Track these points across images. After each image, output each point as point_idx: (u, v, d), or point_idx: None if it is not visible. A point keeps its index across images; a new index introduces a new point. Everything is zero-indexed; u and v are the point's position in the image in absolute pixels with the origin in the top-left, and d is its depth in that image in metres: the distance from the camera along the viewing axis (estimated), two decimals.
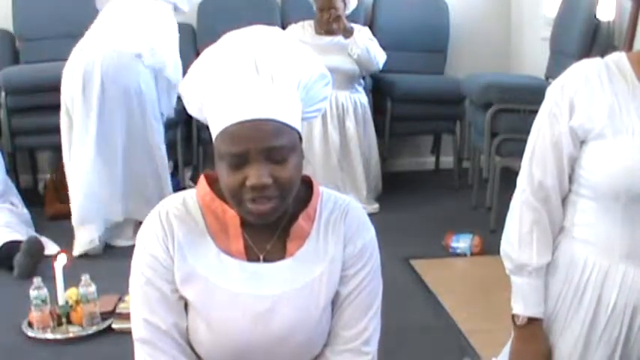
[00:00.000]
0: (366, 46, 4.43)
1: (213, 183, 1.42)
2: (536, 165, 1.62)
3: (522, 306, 1.64)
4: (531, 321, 1.64)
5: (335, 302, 1.44)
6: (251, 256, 1.40)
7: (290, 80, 1.32)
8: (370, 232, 1.47)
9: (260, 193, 1.29)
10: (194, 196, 1.43)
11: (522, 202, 1.64)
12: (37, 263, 3.51)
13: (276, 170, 1.30)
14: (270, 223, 1.38)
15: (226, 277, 1.38)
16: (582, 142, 1.58)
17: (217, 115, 1.31)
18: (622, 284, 1.56)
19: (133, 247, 1.44)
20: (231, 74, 1.30)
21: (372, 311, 1.45)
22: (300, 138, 1.36)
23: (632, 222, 1.53)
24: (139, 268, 1.40)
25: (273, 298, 1.38)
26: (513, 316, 1.67)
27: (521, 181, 1.65)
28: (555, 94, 1.59)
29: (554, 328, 1.65)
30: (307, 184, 1.46)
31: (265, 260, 1.40)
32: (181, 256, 1.38)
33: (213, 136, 1.33)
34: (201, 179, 1.44)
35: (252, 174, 1.29)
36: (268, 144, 1.28)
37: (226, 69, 1.31)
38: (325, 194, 1.47)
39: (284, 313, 1.38)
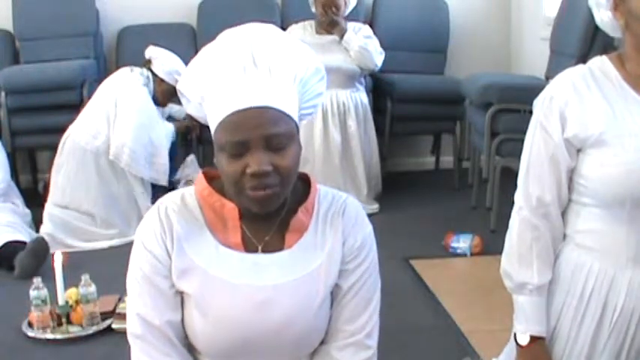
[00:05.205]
0: (360, 46, 4.43)
1: (211, 179, 1.44)
2: (532, 181, 1.59)
3: (524, 325, 1.63)
4: (534, 340, 1.62)
5: (336, 297, 1.45)
6: (249, 248, 1.42)
7: (287, 73, 1.34)
8: (369, 227, 1.48)
9: (260, 180, 1.31)
10: (193, 192, 1.45)
11: (521, 220, 1.62)
12: (40, 264, 3.51)
13: (275, 158, 1.31)
14: (268, 216, 1.40)
15: (225, 269, 1.39)
16: (579, 151, 1.56)
17: (217, 106, 1.33)
18: (628, 290, 1.55)
19: (132, 247, 1.44)
20: (229, 67, 1.33)
21: (372, 305, 1.47)
22: (298, 130, 1.37)
23: (638, 226, 1.52)
24: (137, 263, 1.41)
25: (272, 288, 1.39)
26: (516, 336, 1.65)
27: (518, 198, 1.63)
28: (544, 106, 1.57)
29: (559, 339, 1.63)
30: (305, 181, 1.48)
31: (263, 251, 1.42)
32: (180, 250, 1.39)
33: (213, 129, 1.35)
34: (200, 176, 1.46)
35: (252, 162, 1.30)
36: (268, 132, 1.30)
37: (224, 62, 1.33)
38: (323, 190, 1.49)
39: (283, 304, 1.39)
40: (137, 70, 4.22)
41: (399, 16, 5.12)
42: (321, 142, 4.36)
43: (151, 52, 4.30)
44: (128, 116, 4.03)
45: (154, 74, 4.23)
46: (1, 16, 4.86)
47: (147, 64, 4.26)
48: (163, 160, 4.13)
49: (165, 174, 4.14)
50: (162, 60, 4.24)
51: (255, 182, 1.31)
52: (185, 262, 1.39)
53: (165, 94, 4.23)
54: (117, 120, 4.02)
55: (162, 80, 4.21)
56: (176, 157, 4.33)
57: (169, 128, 4.28)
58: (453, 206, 4.58)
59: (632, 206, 1.51)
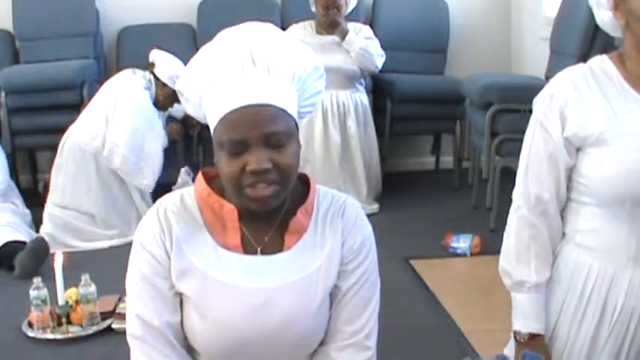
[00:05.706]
0: (361, 48, 4.43)
1: (210, 180, 1.44)
2: (531, 180, 1.59)
3: (522, 322, 1.63)
4: (533, 337, 1.62)
5: (335, 297, 1.45)
6: (248, 249, 1.42)
7: (285, 71, 1.34)
8: (368, 228, 1.48)
9: (260, 178, 1.31)
10: (192, 193, 1.45)
11: (519, 218, 1.62)
12: (40, 264, 3.52)
13: (275, 155, 1.31)
14: (267, 217, 1.40)
15: (224, 270, 1.39)
16: (578, 149, 1.56)
17: (216, 104, 1.33)
18: (628, 289, 1.55)
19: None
20: (228, 66, 1.33)
21: (371, 306, 1.47)
22: (297, 128, 1.38)
23: (638, 225, 1.52)
24: (136, 264, 1.41)
25: (271, 290, 1.39)
26: (515, 333, 1.65)
27: (517, 196, 1.63)
28: (544, 105, 1.57)
29: (559, 338, 1.63)
30: (304, 182, 1.47)
31: (263, 253, 1.42)
32: (179, 251, 1.39)
33: (212, 128, 1.35)
34: (199, 176, 1.46)
35: (251, 159, 1.30)
36: (267, 129, 1.30)
37: (223, 62, 1.34)
38: (322, 191, 1.49)
39: (282, 305, 1.39)
40: (139, 72, 4.22)
41: (399, 16, 5.12)
42: (321, 143, 4.37)
43: (155, 55, 4.31)
44: (124, 118, 4.02)
45: (156, 78, 4.23)
46: (1, 16, 4.86)
47: (150, 67, 4.26)
48: (151, 165, 4.09)
49: (152, 179, 4.09)
50: (165, 64, 4.24)
51: (255, 180, 1.31)
52: (184, 264, 1.39)
53: (167, 98, 4.22)
54: (113, 120, 4.01)
55: (164, 84, 4.21)
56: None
57: (163, 136, 4.26)
58: (453, 206, 4.58)
59: (633, 205, 1.51)
